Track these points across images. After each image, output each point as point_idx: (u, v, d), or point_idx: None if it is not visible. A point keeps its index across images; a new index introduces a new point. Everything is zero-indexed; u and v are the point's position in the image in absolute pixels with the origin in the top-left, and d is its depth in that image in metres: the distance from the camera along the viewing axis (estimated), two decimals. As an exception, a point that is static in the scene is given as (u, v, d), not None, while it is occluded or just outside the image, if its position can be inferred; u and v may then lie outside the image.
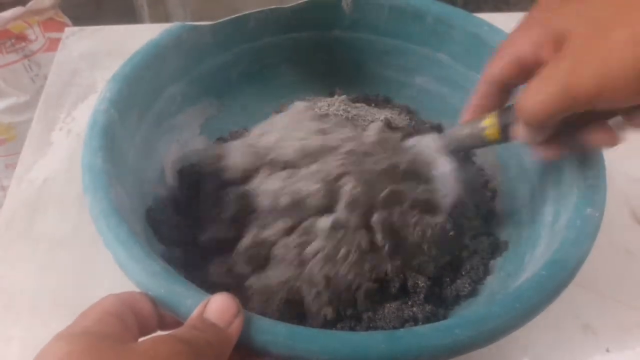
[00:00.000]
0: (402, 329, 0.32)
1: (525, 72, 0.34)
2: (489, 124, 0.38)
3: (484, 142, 0.39)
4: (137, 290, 0.30)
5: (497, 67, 0.36)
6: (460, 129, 0.40)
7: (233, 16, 0.49)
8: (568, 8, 0.31)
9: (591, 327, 0.44)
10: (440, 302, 0.40)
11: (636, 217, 0.52)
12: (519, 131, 0.34)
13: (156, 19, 1.11)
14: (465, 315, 0.31)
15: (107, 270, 0.44)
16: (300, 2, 0.51)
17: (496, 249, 0.45)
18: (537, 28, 0.33)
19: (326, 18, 0.53)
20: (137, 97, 0.42)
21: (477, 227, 0.46)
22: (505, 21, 0.49)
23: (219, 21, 0.49)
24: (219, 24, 0.49)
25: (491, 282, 0.42)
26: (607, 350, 0.43)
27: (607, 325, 0.45)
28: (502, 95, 0.38)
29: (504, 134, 0.37)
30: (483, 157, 0.52)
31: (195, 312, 0.28)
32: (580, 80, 0.28)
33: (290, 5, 0.51)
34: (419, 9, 0.51)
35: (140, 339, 0.28)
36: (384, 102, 0.56)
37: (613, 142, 0.33)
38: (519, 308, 0.30)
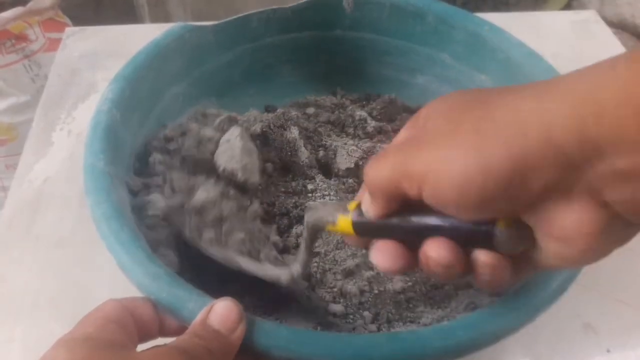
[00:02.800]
0: (404, 331, 0.32)
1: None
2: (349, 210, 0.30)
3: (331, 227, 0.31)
4: (138, 292, 0.30)
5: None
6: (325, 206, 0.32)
7: (235, 16, 0.49)
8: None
9: (592, 327, 0.44)
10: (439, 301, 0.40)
11: (637, 217, 0.52)
12: (364, 198, 0.29)
13: (156, 19, 1.11)
14: (468, 317, 0.31)
15: (107, 270, 0.44)
16: (301, 2, 0.51)
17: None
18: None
19: (327, 18, 0.53)
20: (139, 98, 0.42)
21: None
22: (505, 21, 0.49)
23: (220, 21, 0.49)
24: (220, 25, 0.49)
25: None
26: (608, 351, 0.43)
27: (608, 324, 0.44)
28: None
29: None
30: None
31: (198, 318, 0.28)
32: (415, 161, 0.25)
33: (292, 5, 0.51)
34: (420, 8, 0.51)
35: (141, 347, 0.28)
36: (389, 102, 0.56)
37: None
38: (522, 308, 0.30)
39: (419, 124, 0.28)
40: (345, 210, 0.30)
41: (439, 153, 0.24)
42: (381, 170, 0.27)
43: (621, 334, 0.44)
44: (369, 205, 0.28)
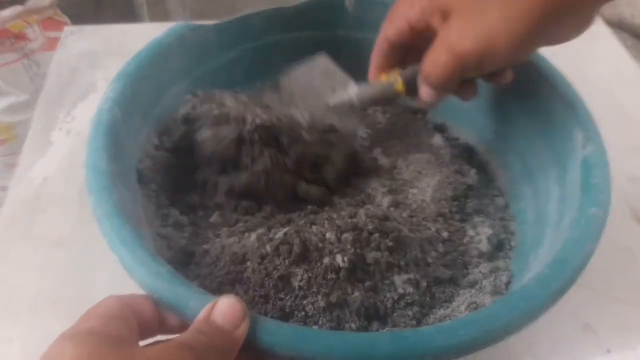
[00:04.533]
0: (406, 330, 0.32)
1: (415, 35, 0.42)
2: (394, 79, 0.44)
3: (393, 96, 0.45)
4: (138, 290, 0.30)
5: (390, 30, 0.43)
6: (372, 87, 0.46)
7: (236, 15, 0.49)
8: None
9: (592, 327, 0.44)
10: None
11: (636, 217, 0.52)
12: (425, 92, 0.41)
13: (156, 17, 1.11)
14: (470, 316, 0.31)
15: (107, 270, 0.44)
16: (303, 1, 0.51)
17: (500, 248, 0.45)
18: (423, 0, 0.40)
19: (329, 17, 0.53)
20: (141, 97, 0.42)
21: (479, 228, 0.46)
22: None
23: (222, 21, 0.49)
24: (222, 24, 0.49)
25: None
26: (608, 351, 0.43)
27: (608, 324, 0.45)
28: (398, 54, 0.45)
29: (408, 89, 0.43)
30: (487, 157, 0.52)
31: (201, 315, 0.28)
32: (467, 49, 0.36)
33: (294, 4, 0.51)
34: (422, 8, 0.51)
35: (143, 343, 0.28)
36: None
37: (475, 93, 0.43)
38: (523, 308, 0.30)
39: (438, 12, 0.38)
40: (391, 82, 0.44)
41: (484, 42, 0.35)
42: (444, 70, 0.37)
43: (621, 334, 0.44)
44: (436, 98, 0.41)
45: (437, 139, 0.54)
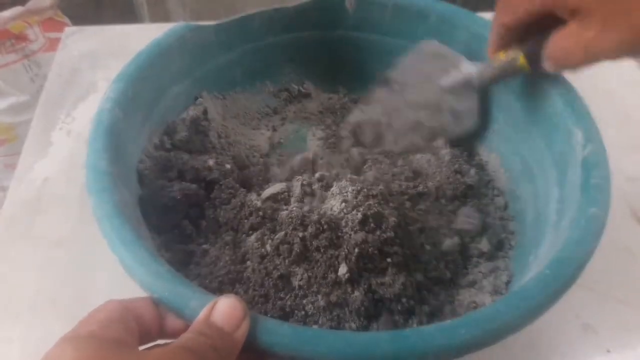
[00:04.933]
0: (407, 329, 0.31)
1: (535, 19, 0.39)
2: (515, 55, 0.42)
3: (516, 72, 0.43)
4: (138, 291, 0.30)
5: (507, 18, 0.41)
6: (492, 65, 0.45)
7: (237, 16, 0.49)
8: None
9: (592, 327, 0.44)
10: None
11: (636, 216, 0.52)
12: (551, 69, 0.40)
13: (156, 18, 1.11)
14: (471, 315, 0.31)
15: (107, 270, 0.44)
16: (304, 2, 0.51)
17: (500, 248, 0.45)
18: None
19: (330, 18, 0.53)
20: (142, 97, 0.42)
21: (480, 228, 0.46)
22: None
23: (223, 21, 0.49)
24: (222, 24, 0.49)
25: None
26: (608, 351, 0.43)
27: (608, 324, 0.44)
28: (516, 35, 0.42)
29: (532, 65, 0.41)
30: (486, 156, 0.52)
31: (201, 316, 0.28)
32: (607, 52, 0.35)
33: (294, 5, 0.51)
34: (422, 8, 0.51)
35: (143, 347, 0.28)
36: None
37: None
38: (524, 307, 0.30)
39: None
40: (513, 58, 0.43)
41: (626, 44, 0.34)
42: (574, 63, 0.37)
43: (621, 334, 0.44)
44: (557, 69, 0.40)
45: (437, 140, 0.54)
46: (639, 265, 0.49)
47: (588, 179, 0.36)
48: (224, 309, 0.28)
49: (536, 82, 0.44)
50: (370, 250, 0.38)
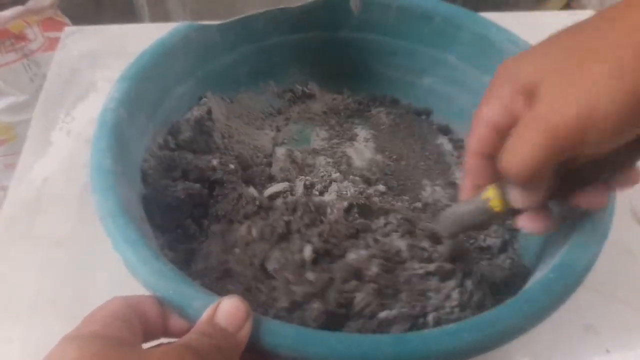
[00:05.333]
0: (410, 333, 0.31)
1: (505, 137, 0.31)
2: (491, 195, 0.34)
3: (489, 216, 0.35)
4: (139, 291, 0.30)
5: (475, 139, 0.33)
6: (462, 206, 0.36)
7: (241, 16, 0.49)
8: (532, 60, 0.30)
9: (592, 327, 0.44)
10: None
11: (637, 217, 0.52)
12: (514, 196, 0.32)
13: (156, 18, 1.11)
14: (474, 319, 0.31)
15: (107, 270, 0.44)
16: (308, 2, 0.51)
17: (504, 250, 0.45)
18: (505, 88, 0.31)
19: (334, 18, 0.53)
20: (146, 97, 0.42)
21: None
22: (505, 20, 0.49)
23: (226, 21, 0.48)
24: (226, 24, 0.48)
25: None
26: (608, 351, 0.43)
27: (608, 325, 0.45)
28: (492, 167, 0.33)
29: (507, 205, 0.33)
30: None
31: (204, 316, 0.28)
32: (564, 118, 0.26)
33: (298, 5, 0.51)
34: (426, 9, 0.51)
35: (146, 345, 0.28)
36: (391, 102, 0.56)
37: (604, 202, 0.32)
38: (528, 311, 0.30)
39: (522, 96, 0.30)
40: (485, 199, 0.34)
41: (588, 104, 0.26)
42: (532, 152, 0.28)
43: (621, 334, 0.44)
44: (528, 199, 0.31)
45: (442, 141, 0.54)
46: (639, 266, 0.49)
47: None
48: (227, 309, 0.27)
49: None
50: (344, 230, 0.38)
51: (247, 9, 0.49)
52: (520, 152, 0.28)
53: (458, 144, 0.54)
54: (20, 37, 0.92)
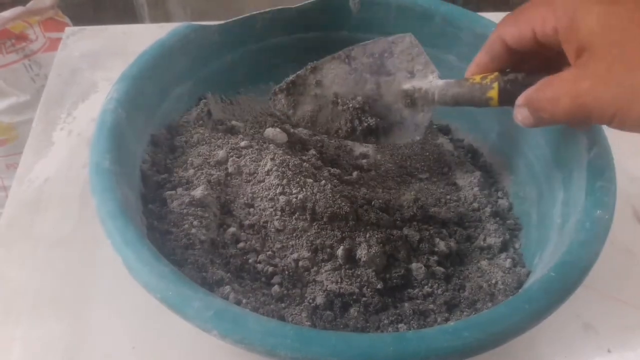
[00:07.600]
0: (410, 332, 0.31)
1: (536, 44, 0.35)
2: (490, 84, 0.38)
3: (482, 102, 0.39)
4: (139, 291, 0.30)
5: (510, 32, 0.36)
6: (461, 84, 0.41)
7: (240, 16, 0.49)
8: (596, 8, 0.31)
9: (592, 327, 0.44)
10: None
11: (638, 217, 0.52)
12: (523, 116, 0.35)
13: (156, 18, 1.11)
14: (474, 318, 0.31)
15: (107, 270, 0.44)
16: (307, 2, 0.51)
17: (504, 250, 0.45)
18: (561, 11, 0.32)
19: (333, 18, 0.53)
20: (145, 98, 0.42)
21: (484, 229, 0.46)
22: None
23: (225, 21, 0.48)
24: (225, 25, 0.48)
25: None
26: (608, 351, 0.43)
27: (608, 324, 0.44)
28: (507, 59, 0.38)
29: (502, 100, 0.38)
30: (491, 158, 0.52)
31: None
32: (599, 103, 0.30)
33: (298, 5, 0.51)
34: (427, 9, 0.51)
35: None
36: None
37: None
38: (528, 310, 0.30)
39: (571, 32, 0.31)
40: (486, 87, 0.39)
41: (623, 101, 0.29)
42: (560, 114, 0.32)
43: (621, 334, 0.44)
44: (531, 123, 0.34)
45: (442, 141, 0.54)
46: (639, 266, 0.48)
47: (593, 181, 0.36)
48: None
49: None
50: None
51: (247, 9, 0.49)
52: (554, 109, 0.32)
53: (458, 144, 0.54)
54: (22, 37, 0.92)
